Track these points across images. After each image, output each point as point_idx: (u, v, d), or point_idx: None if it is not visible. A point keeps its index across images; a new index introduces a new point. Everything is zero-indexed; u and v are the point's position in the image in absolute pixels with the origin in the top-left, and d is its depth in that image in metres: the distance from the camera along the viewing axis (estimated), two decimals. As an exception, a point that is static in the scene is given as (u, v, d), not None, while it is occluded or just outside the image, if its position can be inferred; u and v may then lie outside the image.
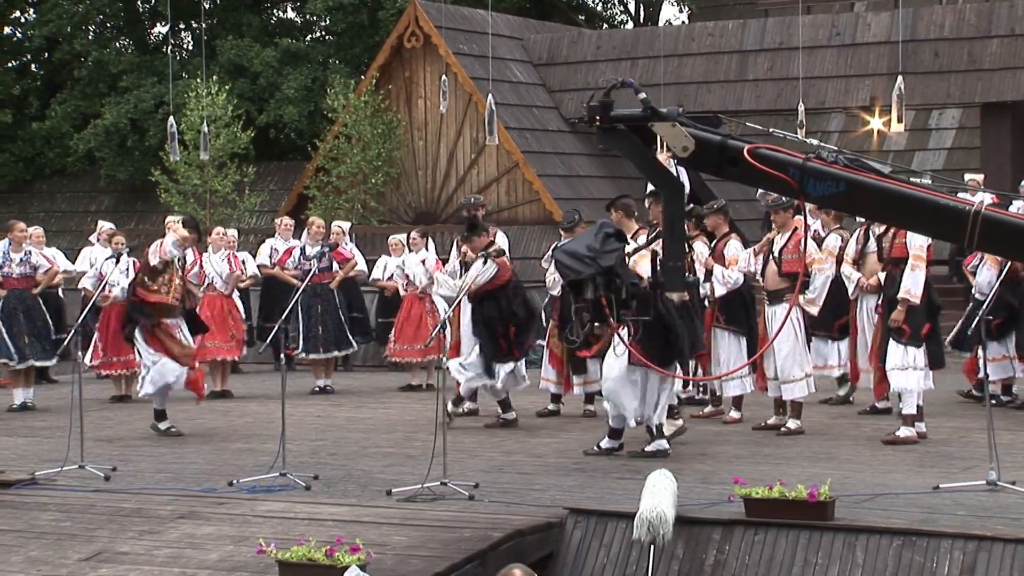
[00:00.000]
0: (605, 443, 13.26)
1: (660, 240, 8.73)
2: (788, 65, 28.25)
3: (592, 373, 15.71)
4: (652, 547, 9.67)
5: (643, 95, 8.22)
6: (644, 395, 12.89)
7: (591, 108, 8.37)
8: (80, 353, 13.74)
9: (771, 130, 8.98)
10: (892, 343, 13.65)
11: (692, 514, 10.22)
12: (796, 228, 14.26)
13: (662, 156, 8.54)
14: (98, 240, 19.85)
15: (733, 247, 14.82)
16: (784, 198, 14.50)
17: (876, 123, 27.58)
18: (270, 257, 20.34)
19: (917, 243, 13.54)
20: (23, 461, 13.31)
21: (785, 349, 14.18)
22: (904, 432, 13.63)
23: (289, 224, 20.91)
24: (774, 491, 10.04)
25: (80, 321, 13.94)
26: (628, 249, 11.54)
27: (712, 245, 15.02)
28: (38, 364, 17.79)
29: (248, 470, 12.46)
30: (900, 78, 22.42)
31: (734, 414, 15.15)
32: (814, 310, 14.44)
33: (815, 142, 8.33)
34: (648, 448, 13.07)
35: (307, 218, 21.06)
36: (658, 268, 8.70)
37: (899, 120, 22.77)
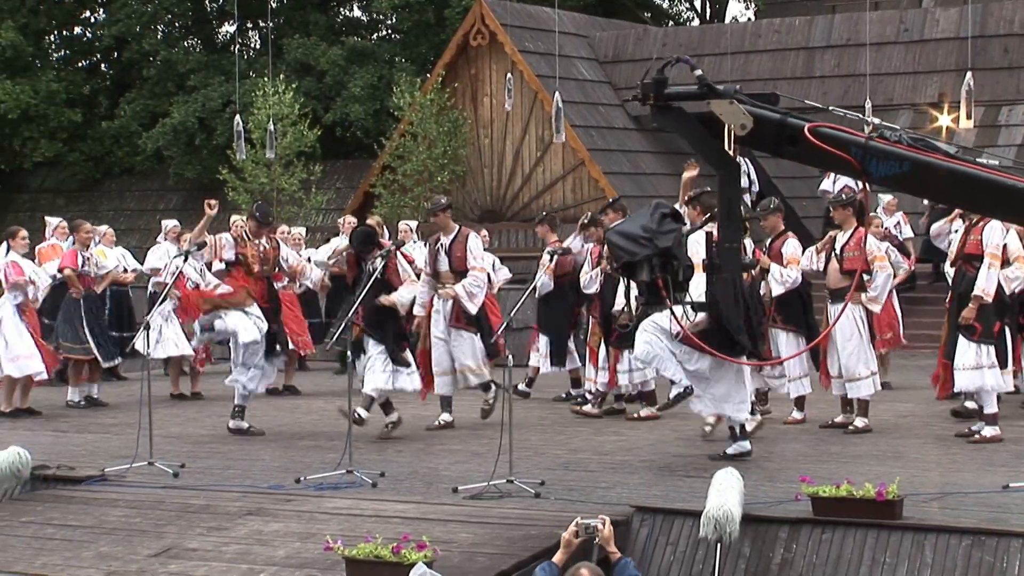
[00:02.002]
0: (732, 449, 12.80)
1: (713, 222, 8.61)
2: (855, 62, 28.10)
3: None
4: (719, 545, 9.65)
5: (699, 72, 8.09)
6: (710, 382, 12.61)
7: (645, 85, 8.23)
8: (148, 351, 13.84)
9: (830, 108, 8.85)
10: (963, 341, 13.52)
11: (759, 512, 10.19)
12: (858, 225, 14.18)
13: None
14: (165, 238, 19.98)
15: (792, 246, 14.67)
16: (845, 195, 14.44)
17: (944, 120, 27.36)
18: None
19: (994, 241, 13.37)
20: (93, 457, 13.43)
21: (850, 347, 14.09)
22: (989, 431, 13.50)
23: (352, 222, 20.99)
24: (841, 489, 9.99)
25: (148, 319, 14.04)
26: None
27: (769, 244, 14.88)
28: (80, 358, 17.81)
29: (315, 467, 12.52)
30: (969, 74, 22.25)
31: (796, 415, 15.02)
32: (876, 308, 14.34)
33: (877, 120, 8.17)
34: (729, 450, 12.81)
35: (371, 216, 21.15)
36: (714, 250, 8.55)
37: (968, 117, 22.60)
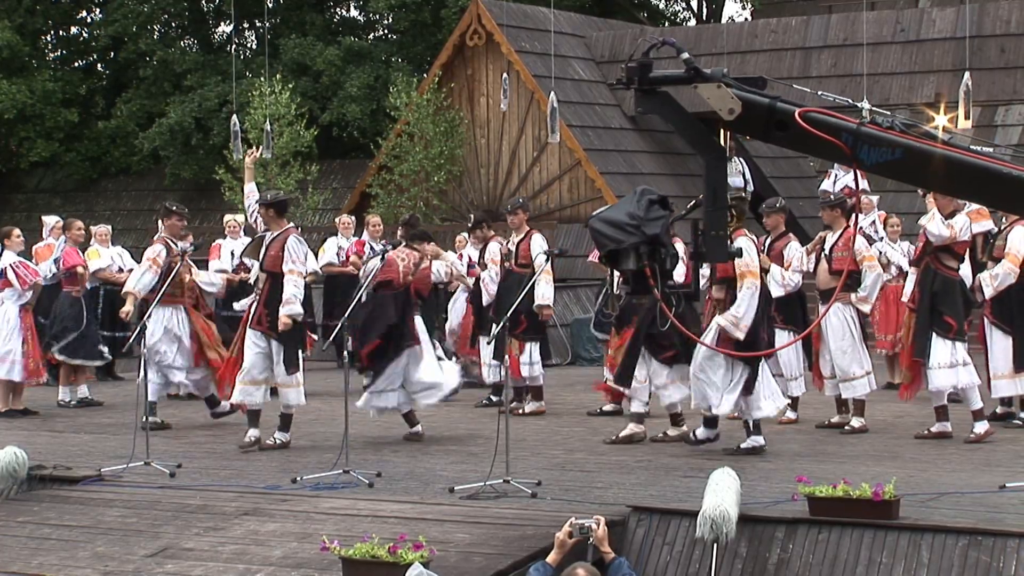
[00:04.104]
0: (700, 432, 13.09)
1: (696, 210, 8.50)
2: (852, 62, 28.09)
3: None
4: (715, 545, 9.64)
5: (686, 55, 7.99)
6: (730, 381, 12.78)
7: (629, 69, 8.10)
8: (144, 350, 13.83)
9: (820, 93, 8.78)
10: (937, 339, 13.51)
11: (755, 512, 10.19)
12: (847, 226, 14.29)
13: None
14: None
15: (794, 249, 14.74)
16: (834, 196, 14.54)
17: (941, 119, 27.33)
18: (337, 255, 20.47)
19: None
20: (89, 457, 13.42)
21: (843, 347, 14.13)
22: (981, 427, 13.53)
23: (348, 222, 21.02)
24: (838, 490, 9.99)
25: (144, 319, 14.04)
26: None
27: (769, 244, 14.93)
28: (88, 363, 17.85)
29: (311, 467, 12.51)
30: (967, 74, 22.24)
31: (790, 414, 15.03)
32: (866, 308, 14.38)
33: (868, 106, 8.08)
34: (744, 445, 13.03)
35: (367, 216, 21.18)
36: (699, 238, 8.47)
37: (965, 116, 22.57)
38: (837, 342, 14.12)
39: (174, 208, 15.79)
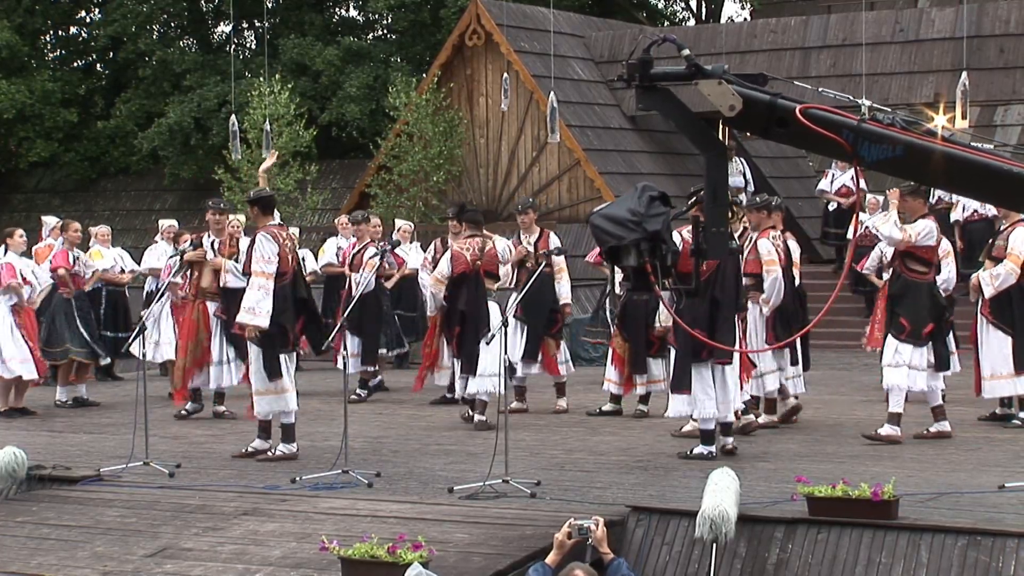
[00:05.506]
0: (697, 449, 12.90)
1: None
2: (851, 62, 28.10)
3: (654, 374, 15.63)
4: (714, 545, 9.64)
5: (687, 51, 8.00)
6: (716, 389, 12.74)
7: (630, 66, 8.11)
8: (144, 351, 13.83)
9: (820, 90, 8.78)
10: (889, 338, 13.50)
11: (755, 512, 10.19)
12: (772, 227, 14.35)
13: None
14: (162, 238, 20.00)
15: (792, 247, 14.76)
16: (758, 199, 14.57)
17: (940, 119, 27.35)
18: (336, 256, 20.46)
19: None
20: (89, 457, 13.42)
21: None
22: (885, 430, 13.48)
23: (346, 223, 21.00)
24: (837, 490, 10.00)
25: (144, 319, 14.04)
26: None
27: (755, 241, 14.96)
28: (83, 360, 17.85)
29: (311, 467, 12.51)
30: (965, 74, 22.25)
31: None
32: (766, 309, 14.36)
33: (868, 103, 8.07)
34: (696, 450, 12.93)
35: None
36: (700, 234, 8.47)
37: (964, 116, 22.57)
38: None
39: (210, 204, 16.17)
